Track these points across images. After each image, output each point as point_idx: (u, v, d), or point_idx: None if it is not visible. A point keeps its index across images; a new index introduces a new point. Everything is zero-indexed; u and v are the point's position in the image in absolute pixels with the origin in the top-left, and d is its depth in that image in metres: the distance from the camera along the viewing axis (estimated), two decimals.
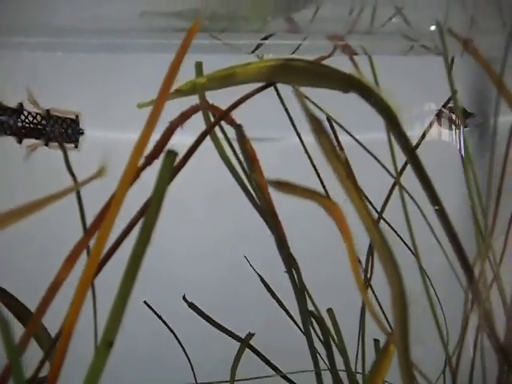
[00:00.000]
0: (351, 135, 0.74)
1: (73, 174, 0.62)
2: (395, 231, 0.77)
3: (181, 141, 0.55)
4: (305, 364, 0.72)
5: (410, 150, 0.58)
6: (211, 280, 0.91)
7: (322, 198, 0.54)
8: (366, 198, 0.72)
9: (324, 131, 0.48)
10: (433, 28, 0.72)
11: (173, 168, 0.44)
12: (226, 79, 0.59)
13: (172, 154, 0.44)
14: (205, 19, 0.61)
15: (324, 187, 0.76)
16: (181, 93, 0.62)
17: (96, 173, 0.47)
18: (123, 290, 0.41)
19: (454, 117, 0.91)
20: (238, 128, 0.66)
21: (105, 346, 0.40)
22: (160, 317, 0.81)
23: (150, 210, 0.42)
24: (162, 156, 0.44)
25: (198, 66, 0.65)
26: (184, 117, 0.57)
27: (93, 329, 0.59)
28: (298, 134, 0.75)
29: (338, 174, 0.46)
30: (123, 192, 0.47)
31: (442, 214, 0.54)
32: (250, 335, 0.80)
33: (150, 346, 0.83)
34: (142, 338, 0.59)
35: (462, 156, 0.83)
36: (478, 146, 0.89)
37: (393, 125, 0.56)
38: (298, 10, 0.61)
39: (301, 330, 0.68)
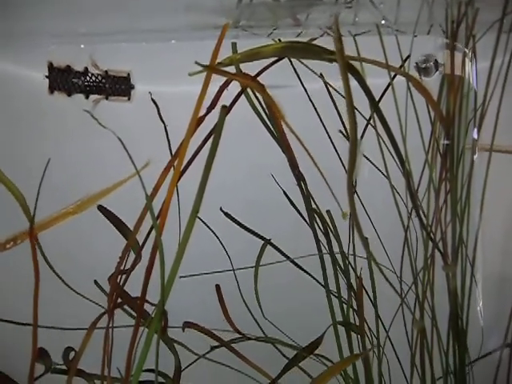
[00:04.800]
0: None
1: (162, 121, 0.93)
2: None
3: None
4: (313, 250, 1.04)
5: (374, 100, 0.88)
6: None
7: (242, 78, 0.85)
8: None
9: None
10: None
11: (226, 115, 0.75)
12: (253, 55, 0.85)
13: (225, 107, 0.75)
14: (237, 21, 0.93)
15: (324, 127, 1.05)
16: (222, 65, 0.86)
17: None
18: (202, 184, 0.73)
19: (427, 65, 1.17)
20: (262, 86, 0.97)
21: (194, 213, 0.72)
22: (204, 222, 0.98)
23: (215, 137, 0.74)
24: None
25: (234, 46, 0.94)
26: (227, 82, 0.88)
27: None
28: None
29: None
30: (192, 130, 0.77)
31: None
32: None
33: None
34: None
35: None
36: None
37: (361, 83, 0.87)
38: (299, 13, 0.93)
39: (307, 223, 1.00)
